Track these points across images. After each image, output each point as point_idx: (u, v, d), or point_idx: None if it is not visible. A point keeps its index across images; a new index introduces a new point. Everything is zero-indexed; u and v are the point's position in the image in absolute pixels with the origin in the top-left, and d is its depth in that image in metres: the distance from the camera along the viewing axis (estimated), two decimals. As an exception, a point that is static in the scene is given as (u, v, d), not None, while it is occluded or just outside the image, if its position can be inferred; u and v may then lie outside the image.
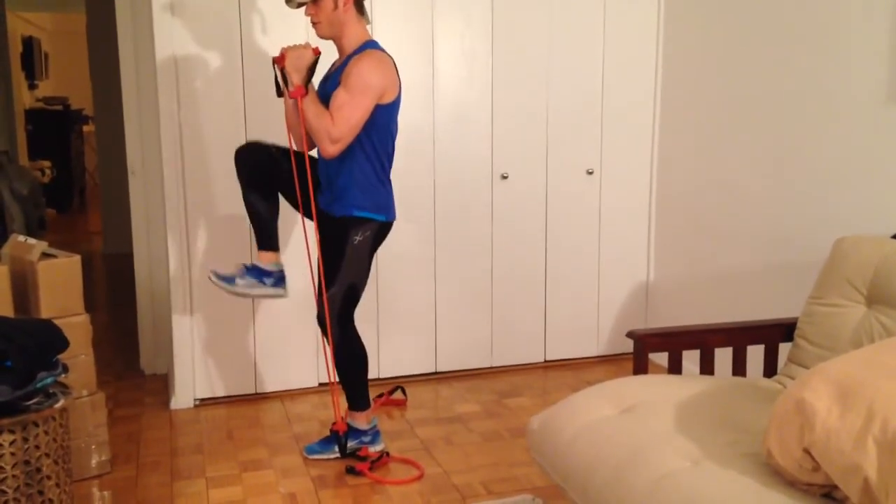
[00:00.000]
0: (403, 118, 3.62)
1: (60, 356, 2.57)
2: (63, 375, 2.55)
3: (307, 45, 2.88)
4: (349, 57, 2.93)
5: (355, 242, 2.98)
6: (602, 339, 4.32)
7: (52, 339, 2.55)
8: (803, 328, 2.52)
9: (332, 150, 2.85)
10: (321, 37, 2.98)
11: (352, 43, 2.95)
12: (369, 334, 3.82)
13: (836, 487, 1.73)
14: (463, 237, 4.00)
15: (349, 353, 3.09)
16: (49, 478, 2.45)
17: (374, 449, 3.17)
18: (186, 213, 3.62)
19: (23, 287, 2.93)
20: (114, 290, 6.13)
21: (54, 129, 9.80)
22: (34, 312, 2.89)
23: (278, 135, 3.65)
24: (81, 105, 10.58)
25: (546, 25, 3.97)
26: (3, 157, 5.61)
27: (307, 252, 3.23)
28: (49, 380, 2.46)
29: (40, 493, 2.43)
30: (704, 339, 2.63)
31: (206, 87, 3.57)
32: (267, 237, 3.11)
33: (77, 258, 2.98)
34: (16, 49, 9.69)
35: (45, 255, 2.94)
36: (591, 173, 4.15)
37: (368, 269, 3.08)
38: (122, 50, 4.00)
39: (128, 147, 4.08)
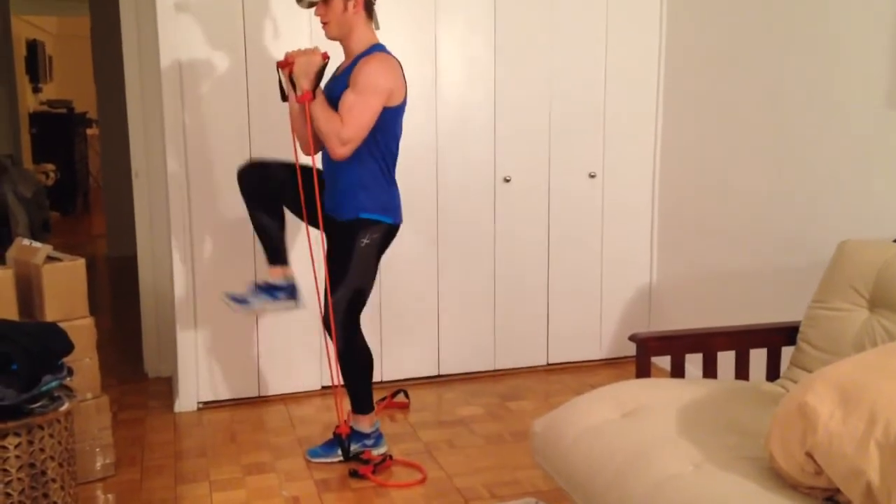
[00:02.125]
0: (406, 121, 3.63)
1: (65, 359, 2.58)
2: (68, 379, 2.56)
3: (316, 50, 2.88)
4: (357, 59, 2.93)
5: (363, 245, 2.98)
6: (605, 342, 4.32)
7: (56, 343, 2.56)
8: (806, 332, 2.53)
9: (343, 151, 2.85)
10: (330, 38, 2.99)
11: (359, 45, 2.96)
12: (372, 337, 3.81)
13: (838, 491, 1.74)
14: (465, 240, 4.00)
15: (354, 357, 3.09)
16: (54, 481, 2.46)
17: (378, 452, 3.17)
18: (190, 215, 3.63)
19: (27, 290, 2.94)
20: (118, 294, 6.14)
21: (58, 132, 9.81)
22: (39, 316, 2.90)
23: (282, 137, 3.67)
24: (85, 108, 10.61)
25: (548, 29, 3.98)
26: (7, 161, 5.63)
27: (311, 256, 3.23)
28: (54, 383, 2.47)
29: (45, 495, 2.44)
30: (707, 343, 2.63)
31: (211, 89, 3.58)
32: (275, 252, 3.13)
33: (81, 261, 2.99)
34: (20, 52, 9.72)
35: (49, 259, 2.94)
36: (593, 176, 4.15)
37: (375, 272, 3.09)
38: (126, 53, 4.02)
39: (132, 150, 4.09)
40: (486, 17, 3.89)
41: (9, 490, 2.35)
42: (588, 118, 4.10)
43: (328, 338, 3.09)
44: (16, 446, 2.35)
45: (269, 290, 3.14)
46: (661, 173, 4.22)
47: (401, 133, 3.04)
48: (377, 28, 3.03)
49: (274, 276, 3.12)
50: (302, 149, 3.06)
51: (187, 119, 3.57)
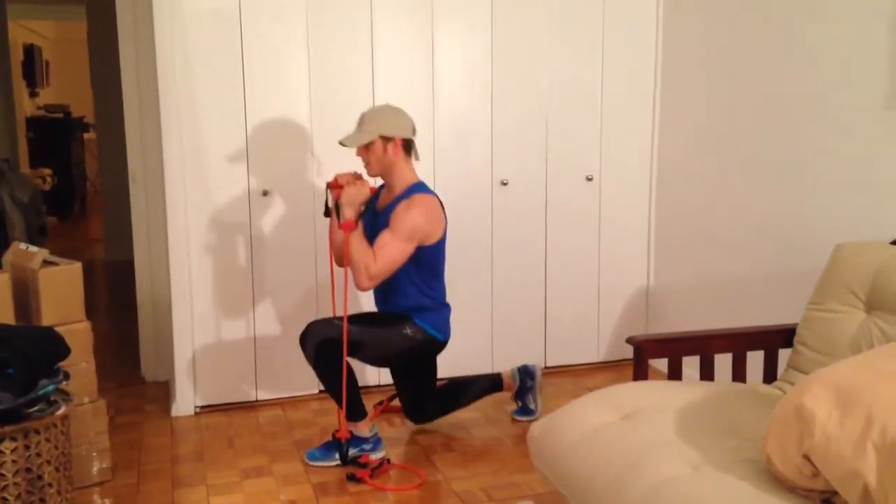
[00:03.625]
0: (403, 125, 3.64)
1: (62, 363, 2.58)
2: (64, 383, 2.55)
3: (366, 183, 3.04)
4: (398, 199, 3.08)
5: (404, 331, 3.14)
6: (602, 345, 4.32)
7: (53, 347, 2.56)
8: (803, 334, 2.53)
9: (368, 285, 3.00)
10: (371, 175, 3.15)
11: (401, 183, 3.13)
12: (370, 341, 3.82)
13: (835, 493, 1.74)
14: (463, 244, 4.00)
15: (330, 374, 3.08)
16: (50, 485, 2.45)
17: (375, 456, 3.17)
18: (187, 220, 3.62)
19: (24, 295, 2.93)
20: (115, 298, 6.14)
21: (55, 136, 9.82)
22: (35, 320, 2.90)
23: (279, 144, 3.69)
24: (82, 113, 10.61)
25: (546, 33, 3.98)
26: (4, 165, 5.62)
27: (331, 272, 3.22)
28: (50, 387, 2.47)
29: (42, 500, 2.44)
30: (704, 345, 2.63)
31: (208, 94, 3.58)
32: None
33: (78, 266, 2.99)
34: (17, 57, 9.72)
35: (46, 263, 2.94)
36: (590, 179, 4.16)
37: (385, 357, 3.25)
38: (123, 58, 4.02)
39: (129, 154, 4.08)
40: (483, 22, 3.89)
41: (5, 495, 2.35)
42: (585, 121, 4.11)
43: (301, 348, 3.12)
44: (12, 451, 2.35)
45: (521, 392, 3.59)
46: (658, 176, 4.22)
47: (444, 260, 3.21)
48: (417, 159, 3.19)
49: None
50: (336, 261, 3.19)
51: (184, 124, 3.57)
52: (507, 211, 4.05)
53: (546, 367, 4.25)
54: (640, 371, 2.57)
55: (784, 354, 2.64)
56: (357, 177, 3.06)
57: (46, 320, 2.87)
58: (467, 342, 4.08)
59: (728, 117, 3.65)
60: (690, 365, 2.66)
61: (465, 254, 4.02)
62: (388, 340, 3.16)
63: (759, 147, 3.46)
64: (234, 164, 3.64)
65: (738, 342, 2.66)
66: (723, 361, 2.65)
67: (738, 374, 2.64)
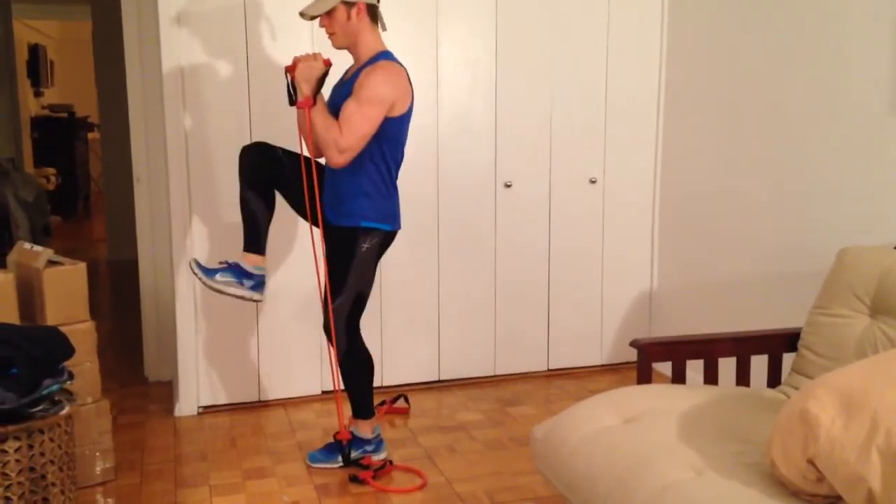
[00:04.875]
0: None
1: (66, 363, 2.58)
2: (68, 382, 2.55)
3: (318, 56, 2.89)
4: (362, 67, 2.94)
5: (362, 250, 2.99)
6: (605, 348, 4.32)
7: (57, 347, 2.56)
8: (807, 338, 2.52)
9: (340, 160, 2.86)
10: (337, 47, 3.00)
11: (366, 52, 2.96)
12: (373, 342, 3.81)
13: (840, 498, 1.73)
14: (466, 245, 4.00)
15: (355, 362, 3.10)
16: (54, 485, 2.46)
17: (378, 457, 3.17)
18: (191, 220, 3.63)
19: (28, 294, 2.93)
20: (118, 298, 6.14)
21: (60, 136, 9.83)
22: (40, 320, 2.90)
23: (285, 142, 3.67)
24: (87, 112, 10.62)
25: (549, 34, 3.98)
26: (8, 165, 5.63)
27: (315, 261, 3.23)
28: (55, 387, 2.47)
29: (45, 500, 2.44)
30: (708, 349, 2.62)
31: (212, 94, 3.59)
32: (255, 238, 3.06)
33: (82, 265, 2.99)
34: (22, 56, 9.73)
35: (50, 263, 2.94)
36: (594, 182, 4.15)
37: (373, 276, 3.09)
38: (128, 58, 4.02)
39: (133, 154, 4.09)
40: (487, 23, 3.90)
41: (8, 494, 2.35)
42: (589, 123, 4.11)
43: (329, 343, 3.09)
44: (16, 450, 2.35)
45: (239, 273, 3.03)
46: (661, 179, 4.22)
47: (406, 139, 3.04)
48: (384, 30, 3.03)
49: (248, 261, 3.04)
50: (308, 152, 3.06)
51: (189, 124, 3.58)
52: (511, 212, 4.05)
53: (549, 370, 4.25)
54: (643, 374, 2.56)
55: (788, 359, 2.63)
56: (315, 56, 2.88)
57: (51, 320, 2.87)
58: (470, 344, 4.08)
59: (732, 121, 3.64)
60: (694, 368, 2.66)
61: (468, 254, 4.02)
62: (362, 268, 3.00)
63: (763, 151, 3.45)
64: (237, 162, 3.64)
65: (743, 346, 2.65)
66: (727, 365, 2.64)
67: (742, 377, 2.64)
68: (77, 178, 9.87)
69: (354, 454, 3.14)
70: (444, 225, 3.97)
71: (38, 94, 10.78)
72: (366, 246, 2.99)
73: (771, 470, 1.86)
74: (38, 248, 2.99)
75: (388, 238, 3.06)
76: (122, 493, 3.01)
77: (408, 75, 2.97)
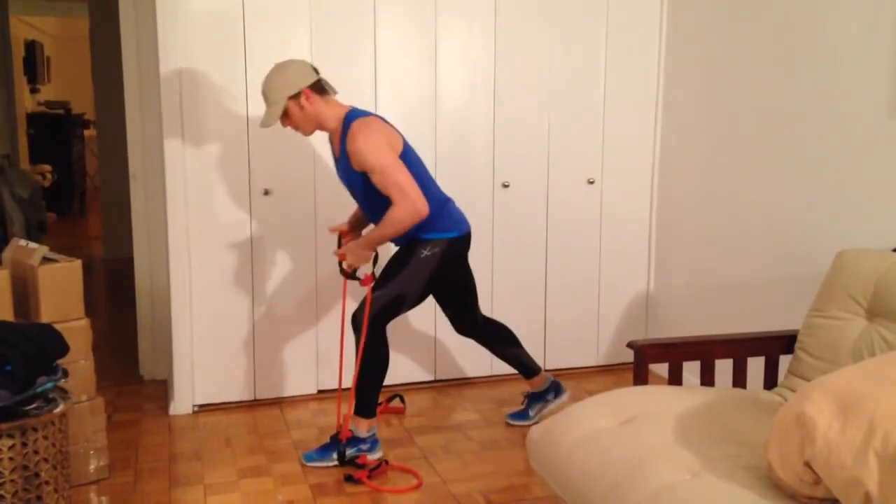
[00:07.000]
0: (405, 126, 3.64)
1: (60, 361, 2.57)
2: (62, 380, 2.55)
3: (354, 248, 3.07)
4: (342, 139, 3.01)
5: (421, 256, 3.09)
6: (602, 349, 4.32)
7: (52, 344, 2.55)
8: (804, 340, 2.52)
9: (425, 210, 2.94)
10: (307, 134, 3.08)
11: (334, 123, 3.05)
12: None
13: (836, 501, 1.73)
14: (463, 245, 4.00)
15: (375, 358, 3.12)
16: (47, 483, 2.45)
17: (373, 457, 3.16)
18: (188, 218, 3.61)
19: (23, 291, 2.92)
20: (113, 295, 6.13)
21: (56, 133, 9.81)
22: (34, 317, 2.89)
23: (280, 140, 3.68)
24: (83, 110, 10.60)
25: (548, 35, 3.98)
26: (3, 161, 5.61)
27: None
28: (49, 385, 2.46)
29: (39, 498, 2.43)
30: (705, 350, 2.62)
31: (209, 92, 3.58)
32: (528, 368, 3.51)
33: (78, 263, 2.98)
34: (18, 53, 9.70)
35: (45, 260, 2.93)
36: (591, 183, 4.15)
37: (423, 287, 3.14)
38: (125, 55, 4.01)
39: (129, 152, 4.08)
40: (486, 23, 3.89)
41: (1, 492, 2.34)
42: (587, 124, 4.10)
43: (355, 334, 3.10)
44: (9, 448, 2.34)
45: (537, 396, 3.55)
46: (659, 180, 4.22)
47: (419, 161, 3.12)
48: (335, 93, 3.08)
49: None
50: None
51: (185, 121, 3.56)
52: (508, 213, 4.05)
53: (546, 370, 4.24)
54: (640, 376, 2.56)
55: (785, 361, 2.63)
56: (348, 237, 3.22)
57: (45, 317, 2.86)
58: (466, 343, 4.07)
59: (730, 122, 3.64)
60: (691, 370, 2.66)
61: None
62: (415, 274, 3.09)
63: (761, 153, 3.45)
64: (235, 162, 3.64)
65: (739, 348, 2.65)
66: (723, 367, 2.64)
67: (739, 379, 2.64)
68: (73, 175, 9.86)
69: (350, 453, 3.14)
70: (441, 225, 3.96)
71: (34, 91, 10.76)
72: (425, 253, 3.08)
73: (767, 473, 1.86)
74: (33, 245, 2.98)
75: (453, 245, 3.14)
76: (116, 491, 3.00)
77: (381, 118, 3.06)
